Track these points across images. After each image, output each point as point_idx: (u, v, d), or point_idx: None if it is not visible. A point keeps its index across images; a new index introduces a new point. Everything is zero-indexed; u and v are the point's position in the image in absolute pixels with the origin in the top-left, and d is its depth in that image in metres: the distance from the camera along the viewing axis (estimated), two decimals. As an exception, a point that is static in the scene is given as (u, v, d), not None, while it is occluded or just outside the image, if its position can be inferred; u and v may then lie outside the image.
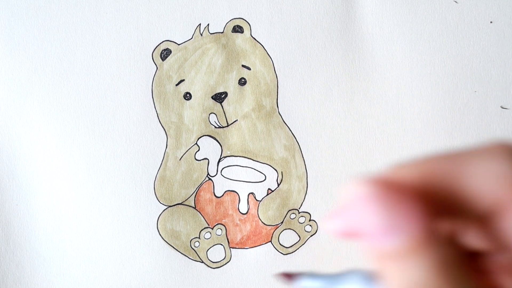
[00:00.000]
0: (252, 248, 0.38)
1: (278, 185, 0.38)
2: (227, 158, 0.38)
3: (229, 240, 0.38)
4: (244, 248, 0.38)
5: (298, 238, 0.38)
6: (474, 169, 0.17)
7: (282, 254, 0.38)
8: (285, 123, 0.38)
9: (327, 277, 0.23)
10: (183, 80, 0.38)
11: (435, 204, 0.16)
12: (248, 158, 0.38)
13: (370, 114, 0.38)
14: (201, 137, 0.38)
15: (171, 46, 0.38)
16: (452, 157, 0.17)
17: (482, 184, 0.17)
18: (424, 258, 0.15)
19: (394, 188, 0.16)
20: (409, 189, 0.16)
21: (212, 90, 0.38)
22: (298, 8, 0.38)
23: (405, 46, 0.38)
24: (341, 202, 0.16)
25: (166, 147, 0.38)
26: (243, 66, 0.38)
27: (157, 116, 0.38)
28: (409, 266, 0.15)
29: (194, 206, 0.38)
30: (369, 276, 0.17)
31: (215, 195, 0.38)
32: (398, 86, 0.38)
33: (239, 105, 0.38)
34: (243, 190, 0.38)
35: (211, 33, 0.38)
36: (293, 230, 0.38)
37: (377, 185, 0.16)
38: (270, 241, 0.38)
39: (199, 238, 0.38)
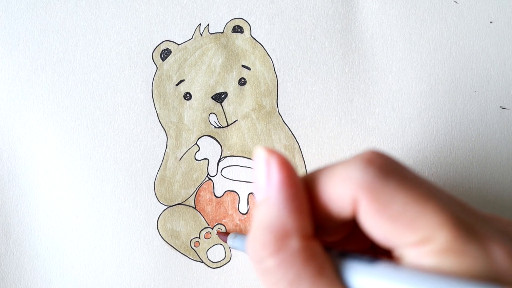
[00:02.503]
0: (252, 248, 0.38)
1: (278, 185, 0.38)
2: (227, 158, 0.38)
3: (229, 240, 0.38)
4: (244, 248, 0.38)
5: (298, 238, 0.38)
6: (333, 176, 0.22)
7: (282, 254, 0.38)
8: (285, 123, 0.38)
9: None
10: (183, 80, 0.38)
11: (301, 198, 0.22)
12: (248, 158, 0.38)
13: (370, 114, 0.38)
14: (201, 137, 0.38)
15: (171, 46, 0.38)
16: (324, 168, 0.23)
17: (339, 188, 0.22)
18: (257, 219, 0.23)
19: (280, 164, 0.22)
20: (288, 171, 0.22)
21: (212, 90, 0.38)
22: (298, 8, 0.38)
23: (405, 46, 0.38)
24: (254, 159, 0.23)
25: (166, 147, 0.38)
26: (243, 66, 0.38)
27: (157, 116, 0.38)
28: (255, 216, 0.23)
29: (194, 206, 0.38)
30: None
31: (215, 195, 0.38)
32: (398, 86, 0.38)
33: (239, 105, 0.38)
34: (243, 190, 0.38)
35: (211, 33, 0.38)
36: (293, 230, 0.38)
37: (271, 156, 0.23)
38: (270, 241, 0.38)
39: (199, 238, 0.38)
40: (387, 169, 0.21)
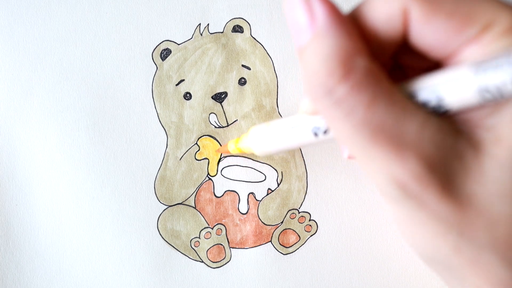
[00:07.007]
0: (252, 248, 0.38)
1: (278, 185, 0.38)
2: (227, 158, 0.38)
3: (229, 240, 0.38)
4: (244, 248, 0.38)
5: (298, 238, 0.38)
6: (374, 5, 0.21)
7: (282, 254, 0.38)
8: (285, 123, 0.38)
9: None
10: (183, 80, 0.38)
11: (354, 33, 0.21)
12: (248, 158, 0.38)
13: (370, 114, 0.38)
14: (201, 137, 0.38)
15: (171, 46, 0.38)
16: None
17: (388, 3, 0.21)
18: (312, 54, 0.21)
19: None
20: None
21: (212, 90, 0.38)
22: (298, 8, 0.38)
23: (404, 46, 0.38)
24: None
25: (166, 147, 0.38)
26: (243, 66, 0.38)
27: (157, 116, 0.38)
28: (306, 57, 0.21)
29: (194, 206, 0.38)
30: None
31: (215, 195, 0.38)
32: (398, 86, 0.38)
33: (239, 105, 0.38)
34: (243, 190, 0.38)
35: (211, 33, 0.38)
36: (293, 230, 0.38)
37: None
38: (270, 241, 0.38)
39: (199, 238, 0.38)
40: None
